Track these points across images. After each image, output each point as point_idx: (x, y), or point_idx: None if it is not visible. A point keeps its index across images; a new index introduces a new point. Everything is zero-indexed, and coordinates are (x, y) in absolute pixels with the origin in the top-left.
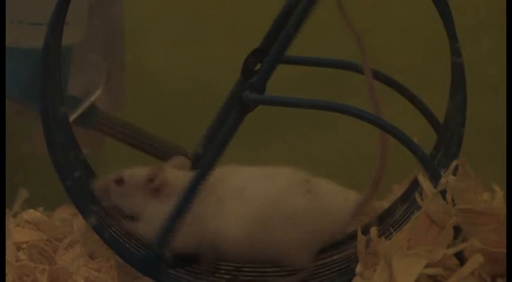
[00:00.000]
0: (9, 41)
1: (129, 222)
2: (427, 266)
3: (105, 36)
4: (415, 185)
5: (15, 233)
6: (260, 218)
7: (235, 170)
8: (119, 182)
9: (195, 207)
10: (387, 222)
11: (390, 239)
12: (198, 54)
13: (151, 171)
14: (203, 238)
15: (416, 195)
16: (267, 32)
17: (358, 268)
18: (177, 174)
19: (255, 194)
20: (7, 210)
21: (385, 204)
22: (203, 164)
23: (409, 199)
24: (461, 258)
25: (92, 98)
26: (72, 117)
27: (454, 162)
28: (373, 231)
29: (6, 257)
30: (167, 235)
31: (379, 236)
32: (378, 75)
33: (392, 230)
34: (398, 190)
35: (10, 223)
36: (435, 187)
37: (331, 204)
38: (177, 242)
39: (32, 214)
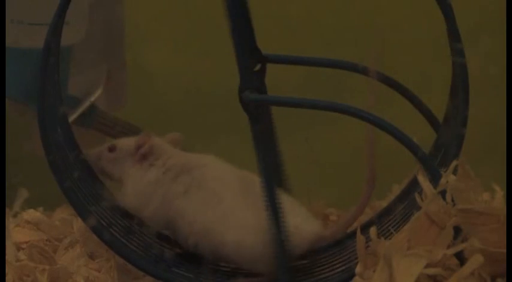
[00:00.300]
0: (9, 41)
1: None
2: (427, 266)
3: (105, 36)
4: (413, 183)
5: (15, 233)
6: (218, 213)
7: (215, 163)
8: (111, 148)
9: (167, 184)
10: (386, 221)
11: (390, 239)
12: (198, 55)
13: (139, 138)
14: (161, 211)
15: (416, 195)
16: None
17: (358, 268)
18: (165, 146)
19: (220, 189)
20: (7, 210)
21: (385, 204)
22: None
23: (407, 198)
24: (461, 258)
25: (92, 98)
26: (72, 117)
27: (454, 162)
28: (373, 231)
29: (6, 257)
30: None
31: (378, 236)
32: (378, 76)
33: (392, 230)
34: (398, 190)
35: (10, 223)
36: (435, 187)
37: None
38: (137, 207)
39: (32, 214)
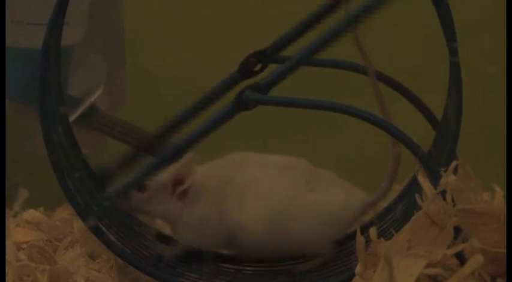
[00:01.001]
0: (9, 41)
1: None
2: (427, 266)
3: (105, 36)
4: (413, 183)
5: (15, 233)
6: (277, 210)
7: (246, 159)
8: (141, 188)
9: (219, 206)
10: (386, 220)
11: (390, 239)
12: (198, 55)
13: (177, 173)
14: (223, 233)
15: (417, 195)
16: (280, 36)
17: (358, 268)
18: (197, 172)
19: (270, 186)
20: (7, 210)
21: (385, 204)
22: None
23: (407, 197)
24: (461, 258)
25: (92, 98)
26: (72, 118)
27: (454, 163)
28: (373, 231)
29: (7, 257)
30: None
31: (379, 236)
32: (378, 76)
33: (392, 231)
34: (398, 190)
35: (10, 223)
36: (435, 187)
37: (330, 202)
38: (198, 240)
39: (32, 214)
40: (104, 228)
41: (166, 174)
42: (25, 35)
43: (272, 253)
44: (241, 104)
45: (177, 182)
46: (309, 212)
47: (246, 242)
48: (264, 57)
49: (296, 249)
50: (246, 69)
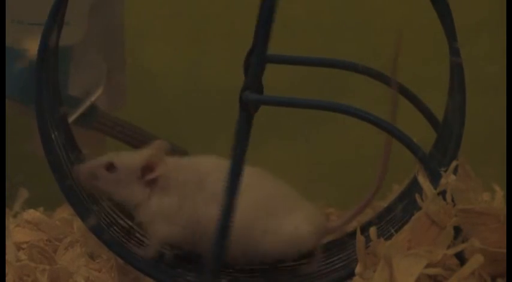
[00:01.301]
0: (9, 41)
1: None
2: (428, 266)
3: (105, 36)
4: (413, 183)
5: (15, 233)
6: (244, 221)
7: (220, 163)
8: (109, 167)
9: (191, 198)
10: (386, 220)
11: (390, 239)
12: (198, 54)
13: (148, 160)
14: (192, 226)
15: (417, 195)
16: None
17: (358, 268)
18: (171, 164)
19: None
20: (7, 210)
21: (385, 204)
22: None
23: (407, 197)
24: (461, 258)
25: (92, 98)
26: (72, 118)
27: (454, 163)
28: (372, 231)
29: (7, 257)
30: (223, 246)
31: (379, 236)
32: (378, 76)
33: (392, 231)
34: (398, 190)
35: (10, 223)
36: (435, 187)
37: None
38: (165, 229)
39: (32, 214)
40: (103, 228)
41: (137, 159)
42: (25, 35)
43: (235, 259)
44: (242, 105)
45: (147, 168)
46: (267, 235)
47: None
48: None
49: (263, 259)
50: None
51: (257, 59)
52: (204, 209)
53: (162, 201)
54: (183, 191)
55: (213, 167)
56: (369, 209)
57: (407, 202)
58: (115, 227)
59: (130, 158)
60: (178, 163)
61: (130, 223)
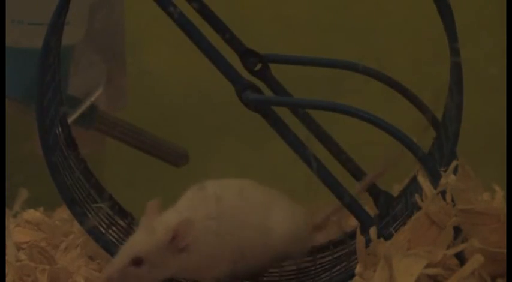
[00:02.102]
0: (9, 41)
1: None
2: (427, 266)
3: (105, 36)
4: (412, 182)
5: (15, 233)
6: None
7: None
8: (137, 261)
9: (217, 237)
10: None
11: (390, 239)
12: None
13: (176, 230)
14: (232, 258)
15: (416, 196)
16: None
17: (358, 268)
18: (201, 227)
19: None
20: (7, 210)
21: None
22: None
23: (406, 197)
24: (461, 258)
25: (92, 98)
26: (72, 118)
27: (454, 163)
28: (372, 231)
29: (7, 257)
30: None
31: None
32: (378, 76)
33: (392, 231)
34: (398, 190)
35: (10, 223)
36: (435, 187)
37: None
38: (212, 273)
39: (32, 214)
40: (102, 230)
41: (159, 238)
42: (25, 35)
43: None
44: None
45: (174, 238)
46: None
47: (259, 256)
48: (261, 57)
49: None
50: (245, 67)
51: None
52: (237, 239)
53: (200, 253)
54: (213, 237)
55: (217, 194)
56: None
57: (406, 204)
58: (114, 228)
59: (149, 240)
60: (187, 212)
61: (130, 223)
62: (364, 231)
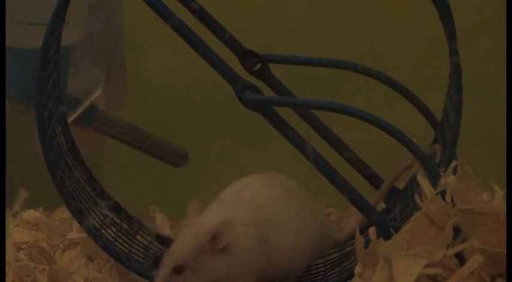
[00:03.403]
0: (9, 41)
1: None
2: (427, 266)
3: (104, 36)
4: (412, 183)
5: (15, 233)
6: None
7: (247, 186)
8: (179, 269)
9: (254, 243)
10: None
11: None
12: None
13: (215, 231)
14: (266, 265)
15: (416, 196)
16: None
17: (357, 269)
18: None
19: (284, 203)
20: (7, 210)
21: (385, 205)
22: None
23: (405, 197)
24: (461, 258)
25: (92, 98)
26: (71, 118)
27: (454, 163)
28: (372, 231)
29: (6, 257)
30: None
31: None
32: (378, 76)
33: (392, 231)
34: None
35: (10, 223)
36: (435, 187)
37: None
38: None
39: (31, 214)
40: (101, 230)
41: (196, 241)
42: (25, 35)
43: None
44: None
45: (213, 239)
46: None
47: (284, 262)
48: (261, 57)
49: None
50: (244, 67)
51: None
52: (272, 242)
53: (240, 258)
54: (249, 241)
55: (251, 195)
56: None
57: (405, 204)
58: (113, 228)
59: (186, 245)
60: (224, 214)
61: (130, 224)
62: (374, 224)
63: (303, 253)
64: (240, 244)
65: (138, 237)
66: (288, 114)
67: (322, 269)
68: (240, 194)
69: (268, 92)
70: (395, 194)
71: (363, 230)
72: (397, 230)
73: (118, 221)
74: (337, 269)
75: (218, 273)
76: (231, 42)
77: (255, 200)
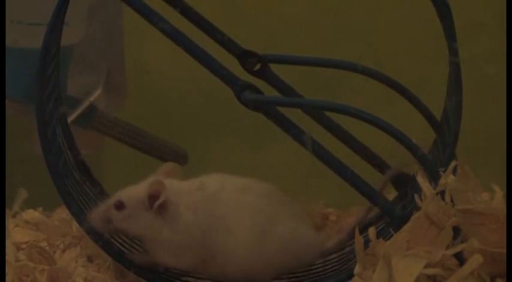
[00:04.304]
0: (8, 41)
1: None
2: (427, 266)
3: (104, 36)
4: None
5: (14, 233)
6: (257, 235)
7: (225, 181)
8: (119, 206)
9: (203, 225)
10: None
11: (389, 239)
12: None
13: (151, 188)
14: (202, 253)
15: (416, 196)
16: None
17: (357, 269)
18: (177, 188)
19: (252, 211)
20: (7, 211)
21: None
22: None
23: (404, 198)
24: (460, 258)
25: (91, 98)
26: (71, 118)
27: (453, 163)
28: (371, 231)
29: (6, 257)
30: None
31: (377, 236)
32: (378, 76)
33: (391, 231)
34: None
35: (10, 223)
36: (434, 188)
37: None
38: (175, 259)
39: (31, 214)
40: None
41: (142, 189)
42: (24, 35)
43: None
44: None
45: (153, 197)
46: (284, 241)
47: (227, 265)
48: (260, 57)
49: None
50: (244, 68)
51: None
52: (215, 237)
53: (174, 229)
54: (193, 218)
55: (219, 187)
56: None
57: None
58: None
59: (136, 191)
60: (186, 186)
61: None
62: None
63: (253, 264)
64: (178, 216)
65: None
66: (288, 115)
67: (321, 268)
68: (211, 177)
69: (270, 91)
70: (405, 180)
71: (363, 230)
72: (406, 218)
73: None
74: (337, 268)
75: (150, 231)
76: (228, 44)
77: (221, 189)
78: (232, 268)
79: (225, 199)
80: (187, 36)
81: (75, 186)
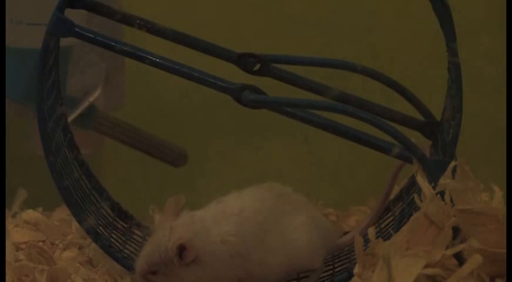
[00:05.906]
0: (8, 41)
1: None
2: (426, 266)
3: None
4: (411, 183)
5: (14, 233)
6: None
7: (246, 197)
8: (153, 272)
9: (226, 254)
10: (385, 221)
11: (389, 239)
12: (197, 55)
13: (177, 244)
14: (239, 274)
15: (415, 196)
16: None
17: (357, 269)
18: (193, 227)
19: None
20: (6, 211)
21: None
22: None
23: (404, 197)
24: (460, 258)
25: (91, 99)
26: (71, 118)
27: (453, 163)
28: (371, 231)
29: (5, 257)
30: None
31: (377, 236)
32: (377, 76)
33: (391, 231)
34: (396, 191)
35: (9, 223)
36: (434, 188)
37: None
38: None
39: (31, 214)
40: (100, 232)
41: (162, 249)
42: (24, 35)
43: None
44: (241, 105)
45: (182, 249)
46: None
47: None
48: (259, 57)
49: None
50: (244, 69)
51: None
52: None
53: (213, 268)
54: (222, 252)
55: (240, 207)
56: (368, 209)
57: (406, 204)
58: (112, 229)
59: (160, 254)
60: (201, 224)
61: (129, 224)
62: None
63: (282, 270)
64: (212, 257)
65: (137, 237)
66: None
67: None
68: (228, 206)
69: (276, 86)
70: (433, 127)
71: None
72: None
73: (117, 221)
74: (336, 268)
75: (189, 280)
76: (222, 53)
77: (242, 214)
78: (265, 277)
79: (247, 218)
80: (171, 60)
81: (75, 186)
